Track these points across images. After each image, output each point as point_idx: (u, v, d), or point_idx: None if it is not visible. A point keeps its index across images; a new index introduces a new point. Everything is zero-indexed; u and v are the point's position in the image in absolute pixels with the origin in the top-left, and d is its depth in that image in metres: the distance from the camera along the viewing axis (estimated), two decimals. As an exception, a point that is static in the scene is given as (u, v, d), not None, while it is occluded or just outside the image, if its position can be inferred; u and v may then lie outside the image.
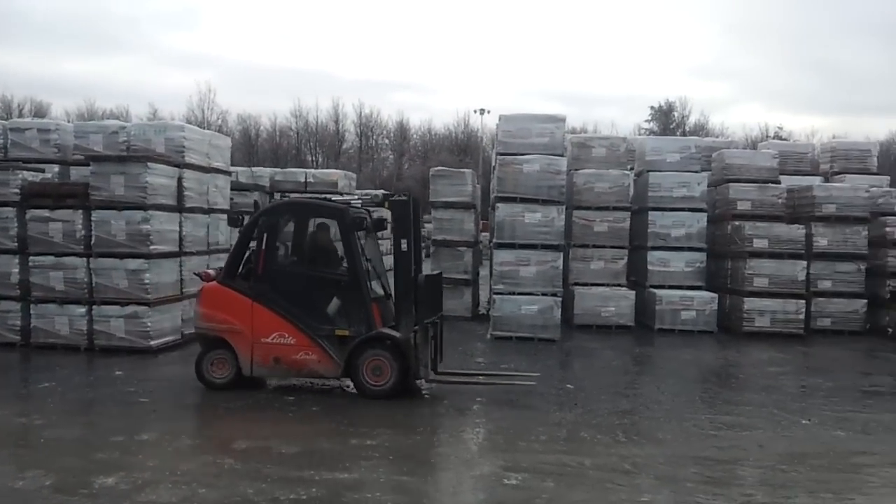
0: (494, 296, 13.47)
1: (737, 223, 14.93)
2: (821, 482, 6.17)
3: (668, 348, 13.10)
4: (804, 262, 14.55)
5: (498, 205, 14.07)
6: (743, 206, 15.11)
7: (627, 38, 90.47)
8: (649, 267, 15.16)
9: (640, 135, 50.11)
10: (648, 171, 15.72)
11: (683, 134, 51.45)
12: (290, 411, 7.99)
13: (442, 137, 63.25)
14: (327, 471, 5.96)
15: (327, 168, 40.99)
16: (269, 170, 23.02)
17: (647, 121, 62.64)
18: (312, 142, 61.98)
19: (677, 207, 15.21)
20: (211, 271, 9.29)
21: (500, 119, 15.23)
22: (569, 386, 9.65)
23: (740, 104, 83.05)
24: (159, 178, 11.10)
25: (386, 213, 9.41)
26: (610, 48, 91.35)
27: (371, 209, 9.39)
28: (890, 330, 14.76)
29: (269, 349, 8.41)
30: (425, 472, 6.08)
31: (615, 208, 14.91)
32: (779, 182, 15.69)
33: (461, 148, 59.40)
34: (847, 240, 14.95)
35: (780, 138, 46.52)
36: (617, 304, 14.46)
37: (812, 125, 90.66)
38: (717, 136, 42.67)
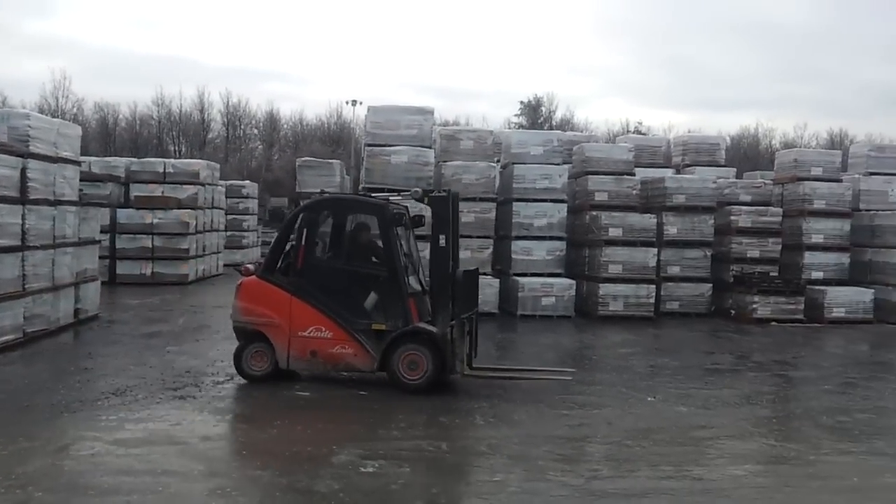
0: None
1: (594, 213, 15.57)
2: (662, 455, 6.55)
3: (529, 333, 13.52)
4: (655, 250, 15.40)
5: (365, 196, 14.03)
6: (600, 197, 15.78)
7: (498, 34, 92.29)
8: (513, 255, 15.58)
9: (509, 128, 51.25)
10: (514, 163, 16.12)
11: (551, 128, 52.89)
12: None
13: (314, 128, 62.33)
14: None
15: (192, 158, 39.69)
16: (125, 160, 22.06)
17: (516, 115, 64.08)
18: (175, 131, 59.57)
19: (540, 198, 15.68)
20: (250, 266, 9.44)
21: (368, 110, 15.22)
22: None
23: (604, 100, 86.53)
24: (0, 169, 10.38)
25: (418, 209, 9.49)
26: (482, 43, 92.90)
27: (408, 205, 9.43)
28: (733, 312, 15.84)
29: (306, 343, 8.48)
30: (280, 466, 6.01)
31: (482, 199, 15.22)
32: (634, 174, 16.48)
33: (334, 139, 58.73)
34: (695, 228, 15.92)
35: (640, 133, 48.73)
36: (482, 291, 14.63)
37: (669, 120, 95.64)
38: (581, 131, 44.15)
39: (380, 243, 8.73)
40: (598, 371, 10.29)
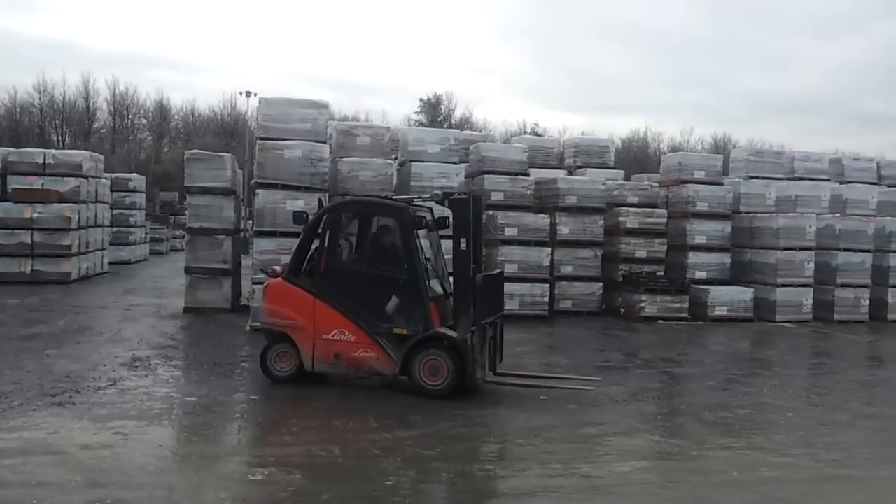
0: (254, 286, 13.11)
1: (490, 212, 15.71)
2: (552, 453, 6.66)
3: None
4: (549, 249, 15.71)
5: (258, 191, 13.70)
6: (496, 197, 15.95)
7: (399, 30, 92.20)
8: (410, 254, 15.53)
9: (409, 125, 51.29)
10: (411, 160, 16.05)
11: (451, 126, 53.32)
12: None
13: (206, 119, 60.58)
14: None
15: (76, 149, 37.78)
16: (2, 150, 20.72)
17: (416, 112, 64.32)
18: (59, 120, 56.63)
19: (437, 197, 15.69)
20: (278, 268, 9.38)
21: (260, 102, 14.80)
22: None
23: (502, 99, 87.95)
24: None
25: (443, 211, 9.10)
26: (383, 38, 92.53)
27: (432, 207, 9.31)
28: (622, 310, 16.34)
29: (330, 346, 8.49)
30: (170, 475, 5.77)
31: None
32: (528, 174, 16.75)
33: (228, 131, 57.22)
34: (586, 228, 16.33)
35: (537, 134, 49.73)
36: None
37: (565, 122, 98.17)
38: (480, 130, 44.69)
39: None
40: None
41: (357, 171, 14.95)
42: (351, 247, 9.08)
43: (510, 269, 15.19)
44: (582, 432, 7.41)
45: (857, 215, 17.93)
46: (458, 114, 63.31)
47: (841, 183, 19.29)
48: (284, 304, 8.72)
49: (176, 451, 6.44)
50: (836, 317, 16.86)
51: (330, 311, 8.51)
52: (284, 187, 13.43)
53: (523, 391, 8.82)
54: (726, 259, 17.29)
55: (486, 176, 16.13)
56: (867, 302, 17.19)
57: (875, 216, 18.13)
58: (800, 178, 19.14)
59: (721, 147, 54.47)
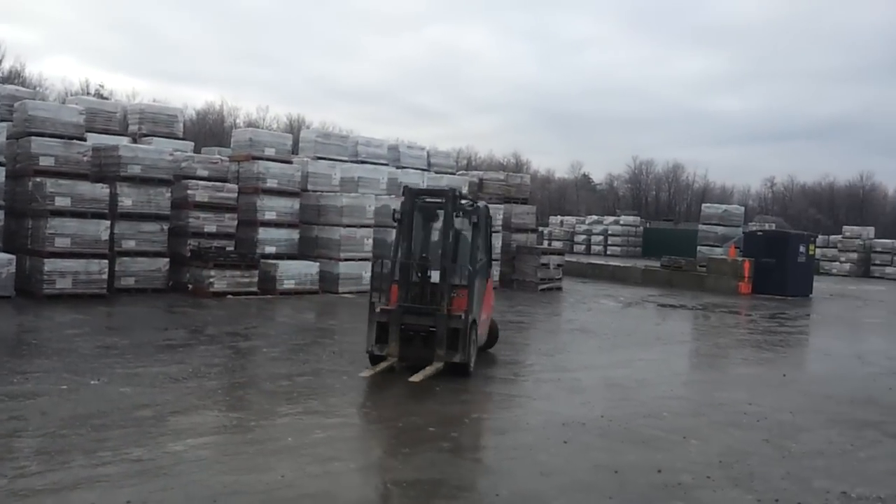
0: None
1: (38, 180, 14.03)
2: (101, 441, 6.13)
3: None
4: (108, 222, 14.54)
5: None
6: (46, 163, 14.33)
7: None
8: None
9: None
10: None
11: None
12: None
13: None
14: None
15: None
16: None
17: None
18: None
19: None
20: None
21: None
22: None
23: (58, 56, 78.91)
24: None
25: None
26: None
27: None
28: (190, 286, 15.88)
29: None
30: None
31: None
32: (85, 139, 15.31)
33: None
34: (151, 201, 15.50)
35: (102, 97, 45.68)
36: None
37: (134, 87, 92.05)
38: (35, 87, 39.51)
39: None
40: (38, 357, 9.23)
41: None
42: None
43: (62, 243, 13.82)
44: (136, 415, 6.96)
45: (409, 196, 19.84)
46: (6, 66, 55.18)
47: (398, 168, 21.23)
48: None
49: None
50: (392, 287, 18.52)
51: None
52: None
53: (71, 378, 8.05)
54: (295, 235, 17.87)
55: (33, 138, 14.35)
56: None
57: (424, 198, 20.25)
58: (362, 162, 20.62)
59: (296, 127, 56.03)
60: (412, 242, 9.43)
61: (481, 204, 10.44)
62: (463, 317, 8.84)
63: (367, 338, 9.13)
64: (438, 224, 9.71)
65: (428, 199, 9.88)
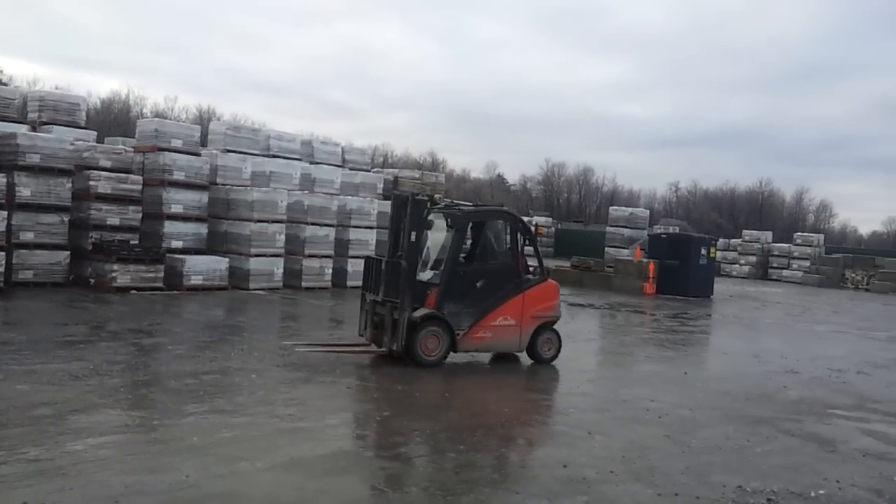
0: None
1: (-74, 167, 13.27)
2: (-7, 441, 5.89)
3: None
4: (5, 213, 13.87)
5: None
6: (-66, 149, 13.52)
7: None
8: None
9: None
10: None
11: None
12: None
13: None
14: None
15: None
16: None
17: None
18: None
19: None
20: None
21: None
22: None
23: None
24: None
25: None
26: None
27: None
28: (92, 281, 15.32)
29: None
30: None
31: None
32: (-21, 126, 14.54)
33: None
34: (51, 191, 14.89)
35: (1, 82, 43.44)
36: None
37: (35, 73, 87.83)
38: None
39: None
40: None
41: None
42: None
43: (-48, 234, 13.04)
44: (34, 414, 6.70)
45: (324, 193, 19.73)
46: None
47: (311, 163, 21.00)
48: None
49: None
50: (304, 284, 18.41)
51: None
52: None
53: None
54: (203, 229, 17.46)
55: (-80, 123, 13.52)
56: (330, 271, 19.17)
57: (338, 195, 20.19)
58: (274, 156, 20.30)
59: (206, 119, 54.64)
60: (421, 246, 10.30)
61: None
62: (409, 312, 9.75)
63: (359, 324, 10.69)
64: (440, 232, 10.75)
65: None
